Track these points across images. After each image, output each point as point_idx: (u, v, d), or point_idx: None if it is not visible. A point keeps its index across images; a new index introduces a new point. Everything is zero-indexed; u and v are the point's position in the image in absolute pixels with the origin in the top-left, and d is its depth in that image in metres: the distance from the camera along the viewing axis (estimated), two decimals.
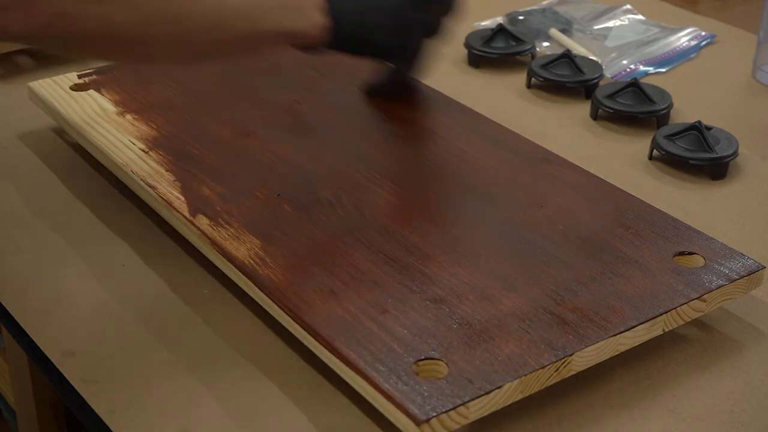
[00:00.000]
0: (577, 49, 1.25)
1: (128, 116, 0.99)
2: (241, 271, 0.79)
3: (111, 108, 1.00)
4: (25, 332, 0.81)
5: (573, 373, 0.73)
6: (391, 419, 0.69)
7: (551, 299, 0.77)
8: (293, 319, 0.75)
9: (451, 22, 0.99)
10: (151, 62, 1.04)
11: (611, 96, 1.11)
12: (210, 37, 0.83)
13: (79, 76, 1.06)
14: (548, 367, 0.71)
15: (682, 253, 0.82)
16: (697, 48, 1.29)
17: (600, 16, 1.36)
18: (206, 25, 0.82)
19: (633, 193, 0.90)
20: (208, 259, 0.84)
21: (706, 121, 1.04)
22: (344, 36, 0.91)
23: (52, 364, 0.78)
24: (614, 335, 0.74)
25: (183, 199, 0.87)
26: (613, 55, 1.26)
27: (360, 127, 0.99)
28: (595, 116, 1.12)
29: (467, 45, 1.23)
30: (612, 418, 0.75)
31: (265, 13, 0.86)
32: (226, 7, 0.83)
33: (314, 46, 0.91)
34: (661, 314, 0.76)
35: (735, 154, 1.02)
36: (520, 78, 1.19)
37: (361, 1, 0.93)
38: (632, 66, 1.23)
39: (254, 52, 0.99)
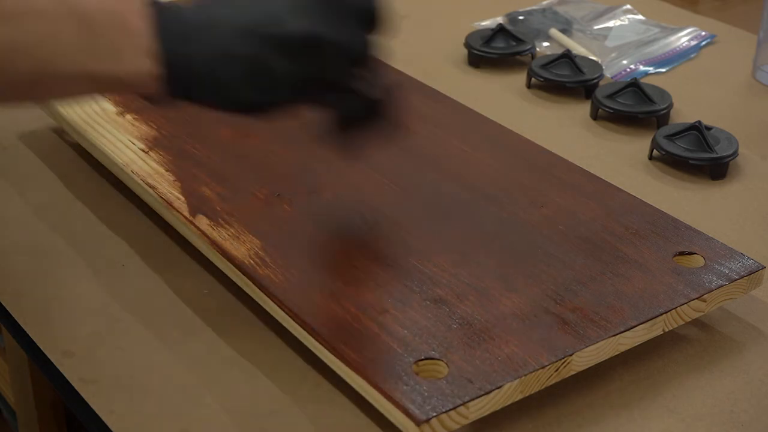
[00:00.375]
0: (577, 49, 1.25)
1: (128, 116, 0.99)
2: (241, 271, 0.79)
3: (111, 108, 1.00)
4: (25, 332, 0.81)
5: (573, 373, 0.73)
6: (391, 419, 0.69)
7: (551, 299, 0.77)
8: (293, 319, 0.75)
9: (365, 74, 0.78)
10: None
11: (611, 96, 1.11)
12: None
13: None
14: (548, 367, 0.71)
15: (682, 253, 0.82)
16: (697, 48, 1.29)
17: (600, 16, 1.36)
18: None
19: (633, 193, 0.90)
20: (208, 259, 0.84)
21: (706, 121, 1.04)
22: (185, 87, 0.73)
23: (52, 364, 0.78)
24: (614, 335, 0.74)
25: (183, 199, 0.87)
26: (613, 55, 1.26)
27: None
28: (595, 116, 1.12)
29: (467, 45, 1.23)
30: (612, 418, 0.74)
31: (62, 50, 0.70)
32: (2, 41, 0.68)
33: (151, 96, 0.74)
34: (661, 314, 0.76)
35: (735, 154, 1.02)
36: (520, 78, 1.19)
37: (210, 44, 0.73)
38: (632, 66, 1.23)
39: (59, 96, 0.80)
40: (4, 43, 0.68)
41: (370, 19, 0.77)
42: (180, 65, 0.72)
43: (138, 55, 0.71)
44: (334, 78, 0.76)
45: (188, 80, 0.73)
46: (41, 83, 0.71)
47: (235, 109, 0.77)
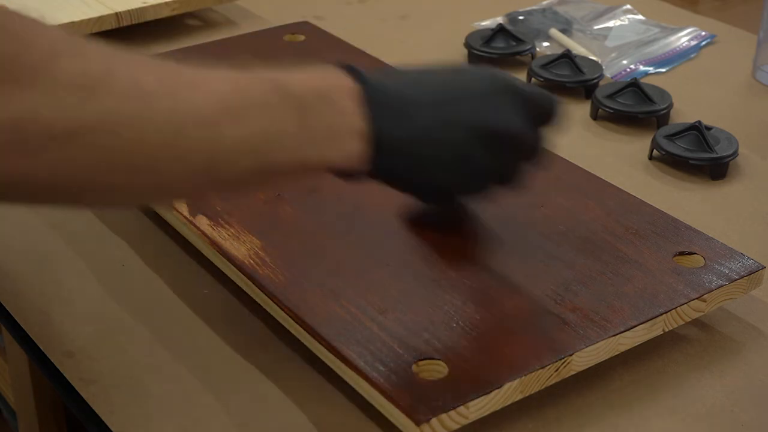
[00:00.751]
0: (577, 49, 1.25)
1: None
2: (241, 271, 0.79)
3: None
4: (25, 332, 0.81)
5: (573, 373, 0.73)
6: (391, 419, 0.69)
7: (551, 299, 0.77)
8: (293, 319, 0.75)
9: (531, 167, 0.80)
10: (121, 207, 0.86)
11: (611, 96, 1.11)
12: (201, 181, 0.65)
13: None
14: (548, 367, 0.71)
15: (682, 253, 0.82)
16: (697, 48, 1.29)
17: (600, 16, 1.36)
18: (191, 167, 0.64)
19: (633, 193, 0.90)
20: (208, 259, 0.84)
21: (706, 121, 1.04)
22: (389, 167, 0.73)
23: (52, 364, 0.78)
24: (614, 335, 0.74)
25: None
26: (613, 55, 1.26)
27: None
28: (595, 116, 1.12)
29: (467, 45, 1.23)
30: (612, 418, 0.74)
31: (281, 144, 0.67)
32: (224, 142, 0.64)
33: (350, 174, 0.73)
34: (661, 314, 0.76)
35: (735, 154, 1.02)
36: (520, 78, 1.19)
37: (419, 126, 0.72)
38: (632, 66, 1.23)
39: (271, 185, 0.82)
40: (226, 144, 0.64)
41: (547, 118, 0.79)
42: (390, 146, 0.71)
43: (352, 137, 0.70)
44: (512, 173, 0.79)
45: (395, 161, 0.72)
46: (261, 175, 0.68)
47: (430, 194, 0.79)
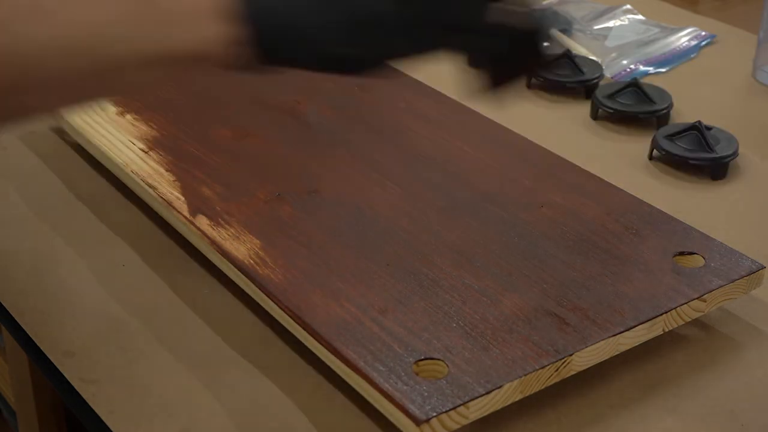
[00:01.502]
0: (577, 49, 1.25)
1: (128, 116, 0.99)
2: (241, 271, 0.79)
3: (111, 108, 1.00)
4: (25, 332, 0.81)
5: (573, 373, 0.73)
6: (391, 419, 0.69)
7: (551, 299, 0.77)
8: (293, 319, 0.75)
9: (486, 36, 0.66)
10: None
11: (611, 96, 1.11)
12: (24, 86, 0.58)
13: None
14: (548, 367, 0.71)
15: (682, 253, 0.82)
16: (697, 48, 1.29)
17: (600, 16, 1.36)
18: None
19: (633, 193, 0.90)
20: (208, 259, 0.84)
21: (706, 121, 1.04)
22: (273, 47, 0.62)
23: (52, 364, 0.78)
24: (614, 335, 0.74)
25: (183, 199, 0.87)
26: (613, 55, 1.26)
27: (360, 128, 0.99)
28: (595, 116, 1.12)
29: None
30: (612, 418, 0.74)
31: (121, 35, 0.59)
32: (34, 41, 0.57)
33: (236, 65, 0.62)
34: (661, 314, 0.76)
35: (735, 154, 1.02)
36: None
37: None
38: (632, 66, 1.23)
39: (127, 89, 0.72)
40: (55, 46, 0.58)
41: None
42: (265, 20, 0.61)
43: (210, 18, 0.60)
44: (459, 17, 0.64)
45: (276, 36, 0.62)
46: (106, 78, 0.60)
47: (335, 68, 0.65)
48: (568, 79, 1.15)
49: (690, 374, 0.78)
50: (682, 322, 0.78)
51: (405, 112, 1.02)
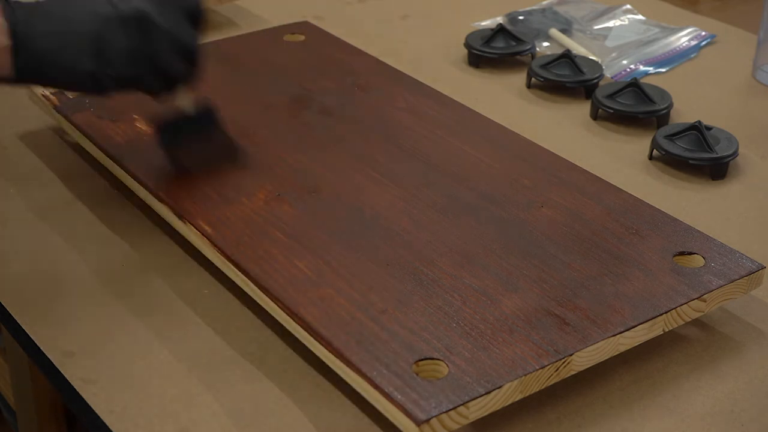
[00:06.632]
0: (577, 49, 1.25)
1: (128, 116, 0.99)
2: (241, 272, 0.79)
3: (111, 108, 1.00)
4: (25, 332, 0.81)
5: (573, 373, 0.73)
6: (391, 419, 0.69)
7: (551, 299, 0.77)
8: (293, 319, 0.75)
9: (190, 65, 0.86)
10: None
11: (611, 96, 1.11)
12: None
13: None
14: (548, 367, 0.71)
15: (682, 253, 0.82)
16: (697, 48, 1.29)
17: (600, 16, 1.36)
18: None
19: (633, 193, 0.90)
20: (208, 259, 0.84)
21: (706, 121, 1.04)
22: (35, 66, 0.79)
23: (52, 364, 0.78)
24: (614, 335, 0.74)
25: (183, 199, 0.87)
26: (613, 55, 1.26)
27: (360, 128, 0.99)
28: (595, 116, 1.12)
29: (467, 45, 1.23)
30: (612, 418, 0.75)
31: None
32: None
33: (3, 78, 0.79)
34: (661, 314, 0.76)
35: (735, 154, 1.02)
36: (520, 78, 1.19)
37: (56, 23, 0.79)
38: (632, 66, 1.23)
39: None
40: None
41: (195, 17, 0.86)
42: (29, 42, 0.77)
43: None
44: (164, 61, 0.83)
45: (36, 57, 0.78)
46: None
47: (78, 85, 0.83)
48: (568, 79, 1.15)
49: (690, 374, 0.79)
50: (682, 322, 0.78)
51: (405, 112, 1.02)
